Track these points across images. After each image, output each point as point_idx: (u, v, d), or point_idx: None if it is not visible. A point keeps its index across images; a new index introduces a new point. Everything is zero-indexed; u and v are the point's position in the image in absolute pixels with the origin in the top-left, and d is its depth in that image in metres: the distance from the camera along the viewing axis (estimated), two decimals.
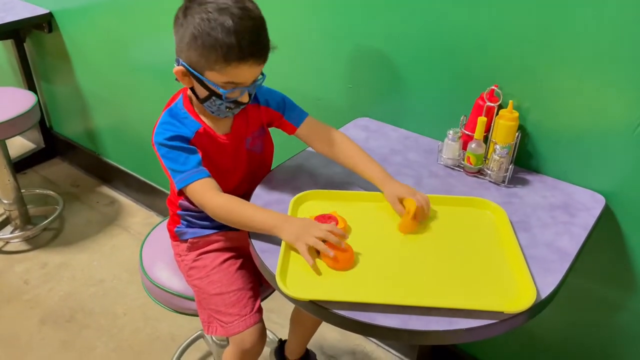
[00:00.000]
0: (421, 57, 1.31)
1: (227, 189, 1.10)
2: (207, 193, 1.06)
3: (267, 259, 0.96)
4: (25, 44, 2.47)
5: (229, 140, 1.15)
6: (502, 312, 0.84)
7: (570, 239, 1.02)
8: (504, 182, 1.18)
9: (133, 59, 2.05)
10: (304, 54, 1.53)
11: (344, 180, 1.19)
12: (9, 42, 2.46)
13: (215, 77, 1.01)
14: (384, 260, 0.97)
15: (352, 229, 1.03)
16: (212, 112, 1.10)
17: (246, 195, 1.17)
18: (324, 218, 1.03)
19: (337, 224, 1.02)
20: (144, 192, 2.41)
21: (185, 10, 1.01)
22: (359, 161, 1.16)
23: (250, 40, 0.98)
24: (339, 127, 1.42)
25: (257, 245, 1.00)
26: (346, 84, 1.49)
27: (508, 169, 1.16)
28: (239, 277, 1.21)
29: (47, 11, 2.25)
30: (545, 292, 0.89)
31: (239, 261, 1.24)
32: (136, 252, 2.16)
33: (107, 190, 2.58)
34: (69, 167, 2.75)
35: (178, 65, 1.05)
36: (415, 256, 0.98)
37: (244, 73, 1.02)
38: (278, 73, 1.39)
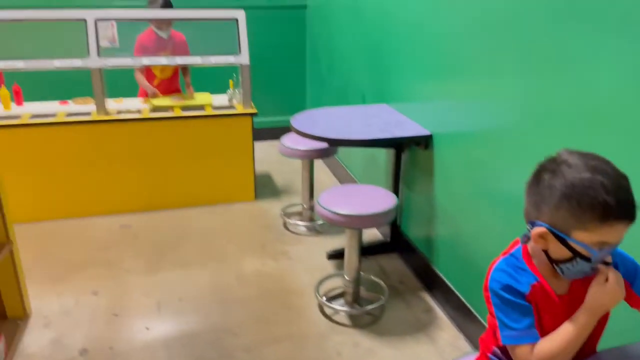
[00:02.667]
0: None
1: None
2: (531, 357, 1.04)
3: None
4: (402, 154, 2.92)
5: (565, 302, 1.10)
6: None
7: None
8: None
9: (486, 186, 2.16)
10: None
11: None
12: (391, 150, 2.95)
13: (585, 237, 0.99)
14: None
15: None
16: (563, 273, 1.07)
17: None
18: None
19: None
20: (459, 312, 2.44)
21: (542, 174, 1.03)
22: None
23: (627, 198, 0.97)
24: None
25: None
26: None
27: None
28: None
29: (429, 133, 2.61)
30: None
31: None
32: None
33: (426, 297, 2.71)
34: (402, 265, 3.03)
35: (533, 227, 1.05)
36: None
37: (617, 232, 0.98)
38: None
